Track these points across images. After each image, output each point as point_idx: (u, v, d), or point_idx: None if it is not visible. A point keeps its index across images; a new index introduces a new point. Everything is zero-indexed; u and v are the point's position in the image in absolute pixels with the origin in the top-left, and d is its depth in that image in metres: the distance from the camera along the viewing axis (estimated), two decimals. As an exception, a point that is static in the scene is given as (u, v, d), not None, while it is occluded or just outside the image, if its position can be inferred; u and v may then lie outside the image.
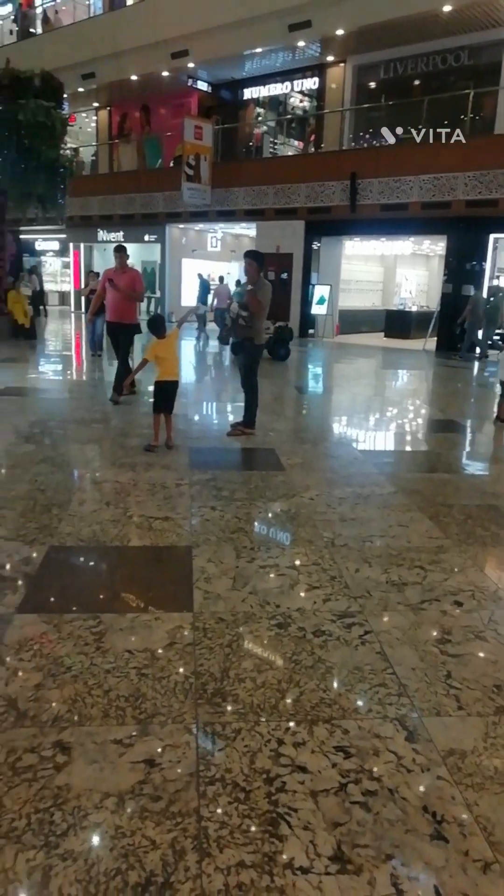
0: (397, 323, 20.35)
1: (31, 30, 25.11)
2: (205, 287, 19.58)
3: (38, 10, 25.78)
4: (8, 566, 3.52)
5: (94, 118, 26.42)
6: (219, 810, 1.99)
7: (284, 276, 18.65)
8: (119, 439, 6.43)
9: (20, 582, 3.35)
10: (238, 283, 19.58)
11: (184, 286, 22.80)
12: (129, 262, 8.27)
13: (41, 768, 2.11)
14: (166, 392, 6.10)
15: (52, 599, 3.25)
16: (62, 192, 13.72)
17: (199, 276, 19.99)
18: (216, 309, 17.71)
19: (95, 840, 1.86)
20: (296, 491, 5.08)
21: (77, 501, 4.59)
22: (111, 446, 6.16)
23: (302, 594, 3.40)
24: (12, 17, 26.44)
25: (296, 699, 2.54)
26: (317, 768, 2.18)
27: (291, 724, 2.40)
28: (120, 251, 7.96)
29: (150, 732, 2.31)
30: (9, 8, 27.30)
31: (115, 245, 8.34)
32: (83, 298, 21.38)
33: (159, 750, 2.23)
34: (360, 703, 2.53)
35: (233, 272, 24.49)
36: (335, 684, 2.64)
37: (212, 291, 18.71)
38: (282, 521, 4.46)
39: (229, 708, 2.47)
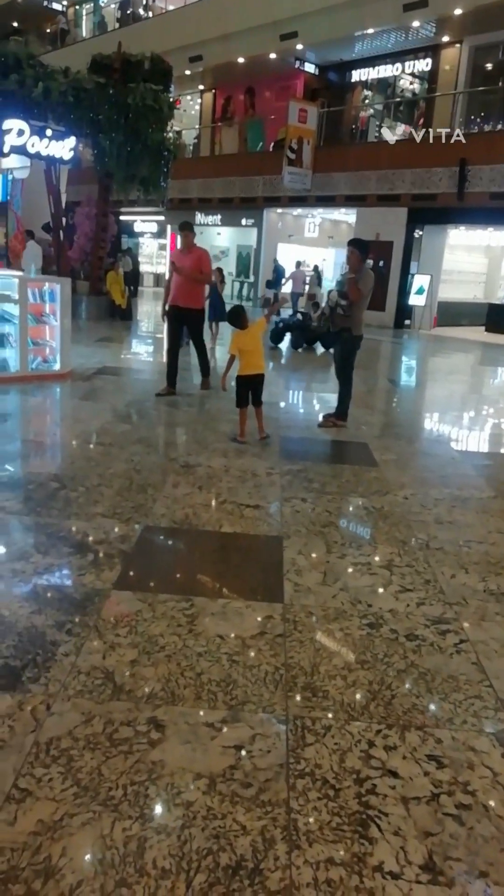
0: (500, 317, 19.48)
1: (131, 11, 25.57)
2: (280, 273, 19.57)
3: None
4: (105, 543, 3.64)
5: (199, 101, 26.63)
6: (308, 805, 1.99)
7: (382, 264, 18.23)
8: (211, 423, 6.51)
9: (116, 559, 3.46)
10: (316, 268, 19.43)
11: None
12: (198, 242, 7.75)
13: (136, 742, 2.17)
14: (252, 386, 5.90)
15: (146, 578, 3.33)
16: (165, 175, 13.92)
17: (275, 261, 20.04)
18: (292, 293, 17.94)
19: (188, 818, 1.90)
20: (389, 488, 4.98)
21: (171, 484, 4.69)
22: (203, 430, 6.24)
23: (394, 596, 3.33)
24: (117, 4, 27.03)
25: (387, 702, 2.50)
26: (408, 775, 2.14)
27: (382, 727, 2.36)
28: (185, 229, 7.29)
29: (240, 719, 2.33)
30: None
31: (180, 223, 7.68)
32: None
33: (250, 737, 2.25)
34: (454, 713, 2.46)
35: (329, 258, 24.26)
36: (428, 691, 2.58)
37: (287, 276, 18.80)
38: (374, 519, 4.38)
39: (319, 704, 2.46)
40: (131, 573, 3.33)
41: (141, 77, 13.23)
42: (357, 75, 21.91)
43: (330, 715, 2.40)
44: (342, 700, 2.48)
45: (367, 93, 22.40)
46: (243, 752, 2.17)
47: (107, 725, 2.24)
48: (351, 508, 4.58)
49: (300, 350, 12.57)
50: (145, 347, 12.64)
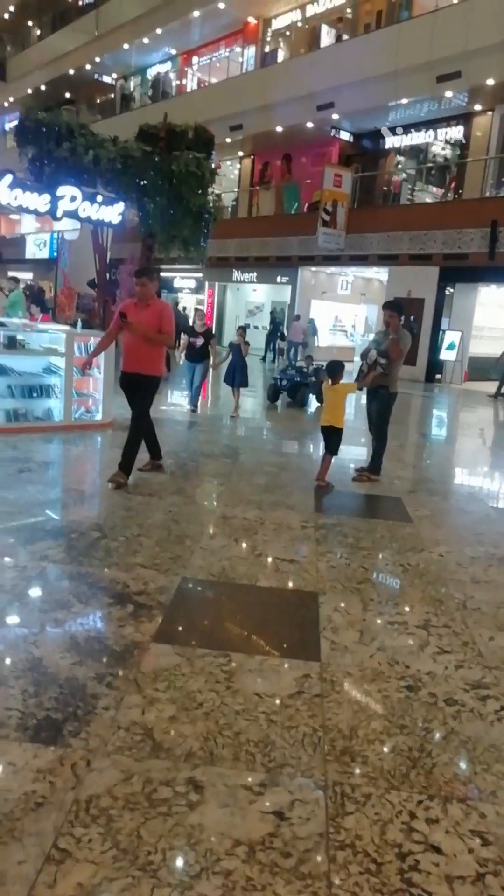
0: (530, 372, 19.37)
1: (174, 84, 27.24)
2: (276, 324, 21.26)
3: (195, 68, 27.68)
4: (144, 594, 3.66)
5: (238, 166, 27.75)
6: (350, 879, 1.93)
7: (413, 319, 18.44)
8: (246, 476, 6.56)
9: (155, 611, 3.47)
10: (312, 321, 20.38)
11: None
12: (166, 294, 6.84)
13: (175, 804, 2.15)
14: (326, 436, 6.48)
15: (185, 632, 3.33)
16: (205, 235, 14.44)
17: (272, 313, 21.36)
18: (289, 342, 19.89)
19: (227, 888, 1.86)
20: (424, 545, 4.94)
21: (207, 535, 4.72)
22: (238, 482, 6.29)
23: (432, 657, 3.27)
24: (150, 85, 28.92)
25: (428, 771, 2.43)
26: (452, 851, 2.07)
27: (424, 797, 2.30)
28: (142, 275, 5.74)
29: (279, 783, 2.30)
30: (168, 66, 29.49)
31: (139, 268, 6.44)
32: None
33: (289, 803, 2.21)
34: (497, 785, 2.38)
35: (361, 315, 24.65)
36: (470, 761, 2.51)
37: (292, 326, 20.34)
38: (410, 577, 4.33)
39: (358, 770, 2.41)
40: (170, 626, 3.34)
41: (185, 145, 13.91)
42: (390, 142, 22.65)
43: (369, 782, 2.34)
44: (381, 767, 2.43)
45: (400, 158, 23.11)
46: (282, 820, 2.13)
47: (146, 784, 2.22)
48: (386, 565, 4.54)
49: (304, 407, 12.21)
50: (184, 399, 12.86)
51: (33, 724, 2.47)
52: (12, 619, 3.28)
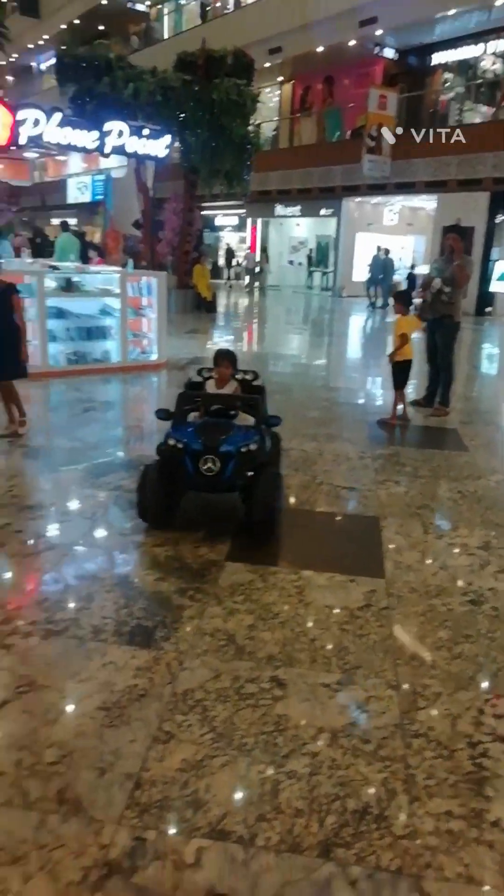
0: None
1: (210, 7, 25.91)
2: (378, 264, 19.48)
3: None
4: (214, 520, 3.86)
5: (278, 93, 26.65)
6: (425, 763, 2.12)
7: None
8: (300, 410, 6.66)
9: (226, 535, 3.67)
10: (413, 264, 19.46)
11: (356, 261, 22.57)
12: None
13: (261, 698, 2.37)
14: (401, 370, 6.26)
15: (255, 553, 3.53)
16: (248, 168, 14.11)
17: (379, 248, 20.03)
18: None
19: (315, 767, 2.07)
20: (481, 473, 4.99)
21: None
22: (294, 417, 6.39)
23: (493, 576, 3.39)
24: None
25: (493, 674, 2.59)
26: (520, 741, 2.24)
27: (490, 696, 2.46)
28: None
29: (354, 682, 2.49)
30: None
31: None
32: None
33: (364, 699, 2.40)
34: None
35: (408, 246, 23.87)
36: (535, 665, 2.65)
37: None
38: (468, 503, 4.42)
39: (428, 672, 2.58)
40: (241, 547, 3.54)
41: (224, 72, 13.46)
42: (437, 58, 21.35)
43: (439, 683, 2.51)
44: (449, 670, 2.60)
45: (448, 75, 21.80)
46: (360, 712, 2.33)
47: (234, 681, 2.44)
48: (444, 492, 4.63)
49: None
50: (231, 339, 12.91)
51: (127, 630, 2.72)
52: (97, 541, 3.53)
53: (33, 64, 36.54)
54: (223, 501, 4.06)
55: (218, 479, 3.52)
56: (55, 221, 30.20)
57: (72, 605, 2.91)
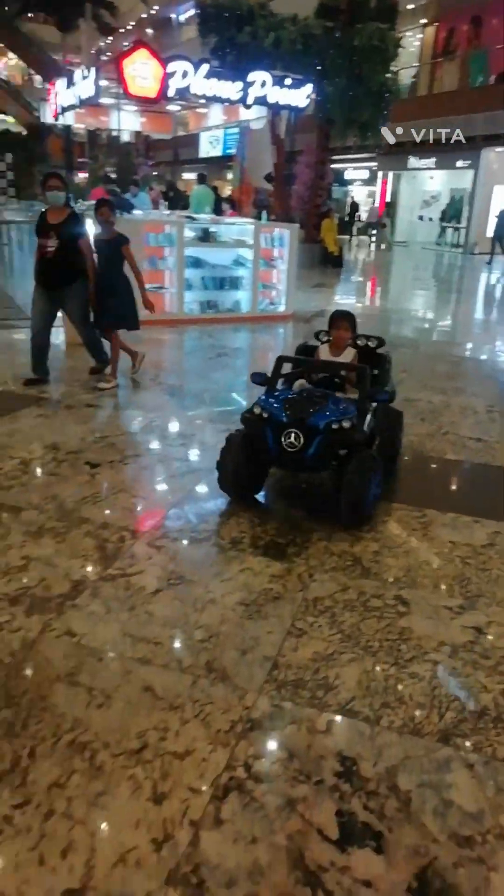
0: None
1: None
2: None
3: None
4: (340, 458, 4.05)
5: (419, 36, 25.29)
6: (544, 682, 2.23)
7: None
8: (429, 364, 6.62)
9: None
10: None
11: (491, 216, 21.34)
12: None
13: (386, 611, 2.56)
14: None
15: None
16: (385, 118, 13.68)
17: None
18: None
19: (435, 671, 2.25)
20: None
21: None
22: (421, 370, 6.38)
23: None
24: None
25: None
26: None
27: None
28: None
29: (476, 608, 2.61)
30: None
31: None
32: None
33: (486, 622, 2.52)
34: None
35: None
36: None
37: None
38: None
39: (551, 608, 2.65)
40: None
41: (367, 16, 13.02)
42: None
43: None
44: None
45: None
46: (480, 633, 2.46)
47: (360, 595, 2.65)
48: None
49: None
50: (357, 293, 12.82)
51: (262, 544, 2.98)
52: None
53: (172, 16, 36.78)
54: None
55: (301, 457, 3.10)
56: (186, 176, 30.85)
57: (212, 519, 3.22)
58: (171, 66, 7.02)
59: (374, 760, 1.87)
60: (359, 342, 4.02)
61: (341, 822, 1.68)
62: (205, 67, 7.23)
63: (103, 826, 1.64)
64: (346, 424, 3.16)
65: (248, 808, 1.70)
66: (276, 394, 3.44)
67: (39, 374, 5.25)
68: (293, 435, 3.09)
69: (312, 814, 1.70)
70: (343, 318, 3.83)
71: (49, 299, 5.12)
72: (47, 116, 14.22)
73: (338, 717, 2.02)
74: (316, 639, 2.37)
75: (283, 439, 3.10)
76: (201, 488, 3.57)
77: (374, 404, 3.56)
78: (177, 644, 2.32)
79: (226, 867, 1.55)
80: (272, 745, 1.91)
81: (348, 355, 3.82)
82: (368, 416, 3.44)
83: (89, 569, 2.74)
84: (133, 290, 5.22)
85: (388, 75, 13.83)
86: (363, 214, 26.32)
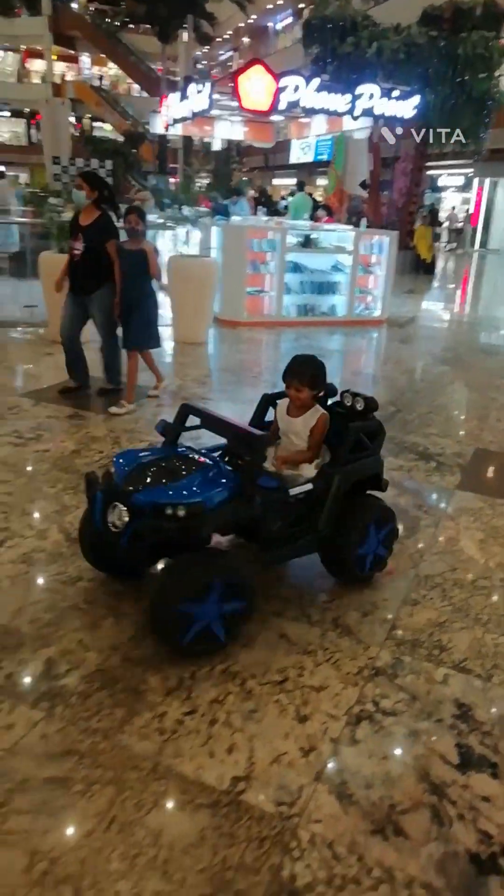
0: None
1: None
2: None
3: None
4: (443, 456, 4.26)
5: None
6: None
7: None
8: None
9: (455, 468, 4.06)
10: None
11: None
12: None
13: (494, 591, 2.79)
14: None
15: (484, 486, 3.89)
16: (486, 125, 13.63)
17: None
18: None
19: (541, 645, 2.47)
20: None
21: (494, 418, 5.13)
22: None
23: None
24: None
25: None
26: None
27: None
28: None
29: None
30: None
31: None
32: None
33: None
34: None
35: None
36: None
37: None
38: None
39: None
40: (470, 480, 3.92)
41: (471, 24, 13.03)
42: None
43: None
44: None
45: None
46: None
47: (467, 574, 2.89)
48: None
49: None
50: (448, 301, 12.84)
51: (374, 526, 3.27)
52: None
53: (269, 24, 37.42)
54: (454, 436, 4.43)
55: (118, 543, 2.30)
56: (276, 182, 31.28)
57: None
58: (283, 81, 7.38)
59: (487, 708, 2.13)
60: (344, 399, 2.93)
61: (461, 752, 1.95)
62: (315, 81, 7.54)
63: (258, 735, 1.98)
64: (183, 510, 2.21)
65: (379, 734, 2.00)
66: (148, 452, 2.59)
67: (78, 381, 5.05)
68: (116, 511, 2.31)
69: (435, 743, 1.98)
70: (294, 376, 2.69)
71: (77, 304, 4.87)
72: (157, 127, 14.90)
73: (453, 672, 2.29)
74: (429, 608, 2.64)
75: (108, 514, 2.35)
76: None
77: (309, 489, 2.57)
78: (304, 601, 2.64)
79: (363, 774, 1.86)
80: (396, 688, 2.20)
81: (310, 419, 2.70)
82: (259, 504, 2.40)
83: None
84: (157, 306, 4.79)
85: (493, 82, 13.77)
86: (445, 220, 25.95)
